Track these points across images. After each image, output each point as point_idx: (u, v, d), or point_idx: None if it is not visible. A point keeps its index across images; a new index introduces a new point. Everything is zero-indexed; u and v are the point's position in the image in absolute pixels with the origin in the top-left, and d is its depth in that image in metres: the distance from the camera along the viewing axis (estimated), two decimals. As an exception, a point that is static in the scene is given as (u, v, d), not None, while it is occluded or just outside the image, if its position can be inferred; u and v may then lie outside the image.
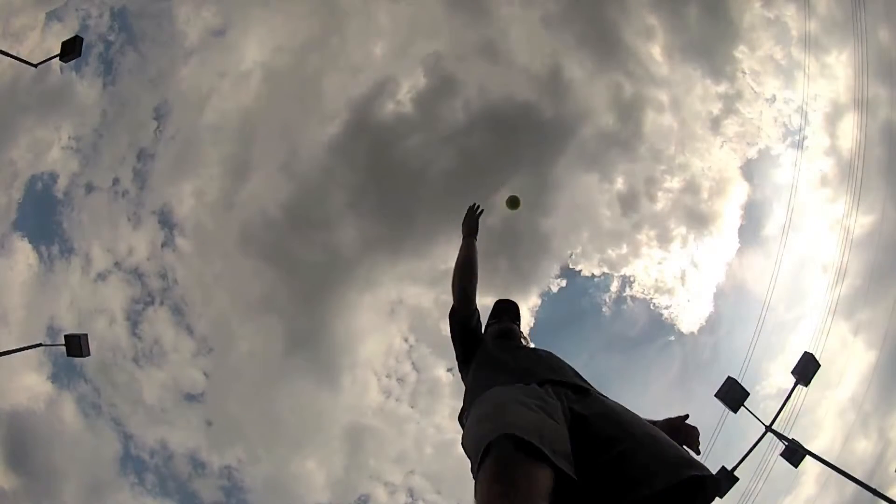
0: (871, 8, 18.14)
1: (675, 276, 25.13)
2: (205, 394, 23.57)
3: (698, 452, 2.02)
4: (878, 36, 18.99)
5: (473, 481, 1.45)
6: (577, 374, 2.09)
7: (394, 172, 23.78)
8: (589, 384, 2.02)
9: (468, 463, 1.58)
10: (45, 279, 21.44)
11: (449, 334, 2.51)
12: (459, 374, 2.46)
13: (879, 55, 18.86)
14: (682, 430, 2.05)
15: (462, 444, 1.75)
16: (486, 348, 2.38)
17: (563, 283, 24.75)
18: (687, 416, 2.12)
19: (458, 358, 2.48)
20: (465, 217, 2.78)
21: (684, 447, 1.80)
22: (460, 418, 2.07)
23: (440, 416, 24.59)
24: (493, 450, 1.41)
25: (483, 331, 2.59)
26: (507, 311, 2.68)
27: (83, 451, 20.77)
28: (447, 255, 24.48)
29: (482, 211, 2.81)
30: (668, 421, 2.09)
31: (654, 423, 1.99)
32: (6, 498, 17.56)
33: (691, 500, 1.56)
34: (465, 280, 2.51)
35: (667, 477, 1.54)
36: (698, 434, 2.11)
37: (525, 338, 2.59)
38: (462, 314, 2.47)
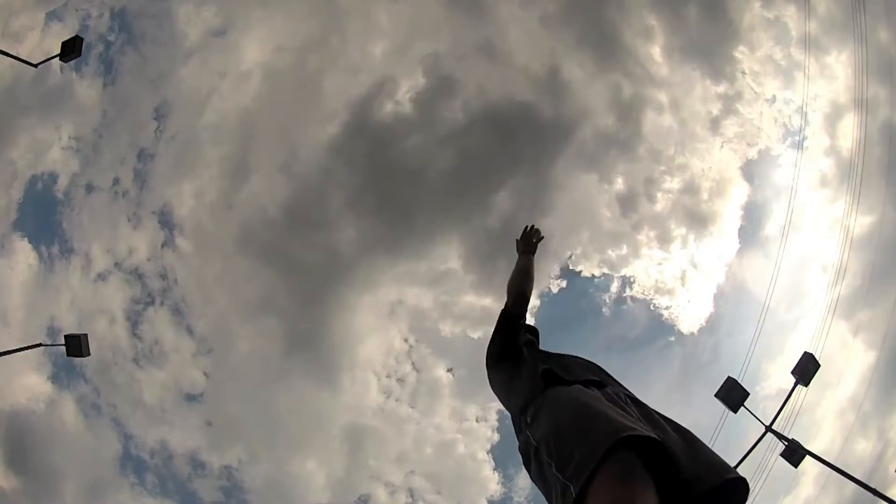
0: (871, 8, 18.19)
1: (675, 277, 25.08)
2: (205, 394, 23.54)
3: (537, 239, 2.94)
4: (878, 36, 19.05)
5: (562, 468, 1.60)
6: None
7: (393, 172, 23.80)
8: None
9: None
10: (45, 279, 21.41)
11: (493, 331, 2.60)
12: (489, 369, 2.57)
13: (879, 55, 18.91)
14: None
15: (546, 431, 1.82)
16: (534, 349, 2.51)
17: (563, 283, 24.69)
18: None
19: (494, 353, 2.56)
20: (522, 237, 2.96)
21: None
22: (524, 410, 2.07)
23: (440, 416, 24.65)
24: (616, 453, 1.52)
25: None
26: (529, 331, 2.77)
27: (83, 451, 20.79)
28: (447, 256, 24.60)
29: (541, 238, 2.98)
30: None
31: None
32: (6, 498, 17.59)
33: (728, 502, 1.63)
34: (524, 284, 2.69)
35: (710, 479, 1.61)
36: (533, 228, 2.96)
37: None
38: (518, 313, 2.61)
